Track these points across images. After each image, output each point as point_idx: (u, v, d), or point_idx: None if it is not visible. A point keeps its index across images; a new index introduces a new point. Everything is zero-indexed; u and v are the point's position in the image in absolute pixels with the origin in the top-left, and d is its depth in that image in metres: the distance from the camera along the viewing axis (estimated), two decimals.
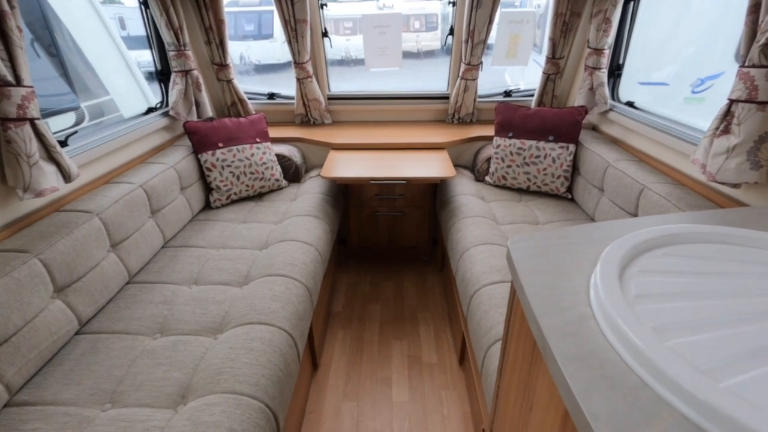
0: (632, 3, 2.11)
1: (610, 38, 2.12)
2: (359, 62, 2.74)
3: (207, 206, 2.23)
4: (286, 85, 2.82)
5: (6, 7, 1.21)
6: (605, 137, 2.26)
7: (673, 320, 0.59)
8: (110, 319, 1.42)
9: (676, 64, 3.89)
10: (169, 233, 1.90)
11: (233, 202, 2.26)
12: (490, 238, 1.83)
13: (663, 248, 0.76)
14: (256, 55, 8.82)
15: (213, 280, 1.63)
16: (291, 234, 1.88)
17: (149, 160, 2.00)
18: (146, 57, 2.38)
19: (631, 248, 0.74)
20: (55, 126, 2.43)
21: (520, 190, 2.35)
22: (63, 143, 1.63)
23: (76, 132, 1.70)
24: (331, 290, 2.41)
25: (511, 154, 2.26)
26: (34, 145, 1.32)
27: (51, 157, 1.40)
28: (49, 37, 2.57)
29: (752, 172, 1.30)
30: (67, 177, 1.45)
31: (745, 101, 1.29)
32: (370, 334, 2.13)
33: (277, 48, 8.40)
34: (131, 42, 3.62)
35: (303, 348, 1.50)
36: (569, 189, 2.24)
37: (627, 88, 2.33)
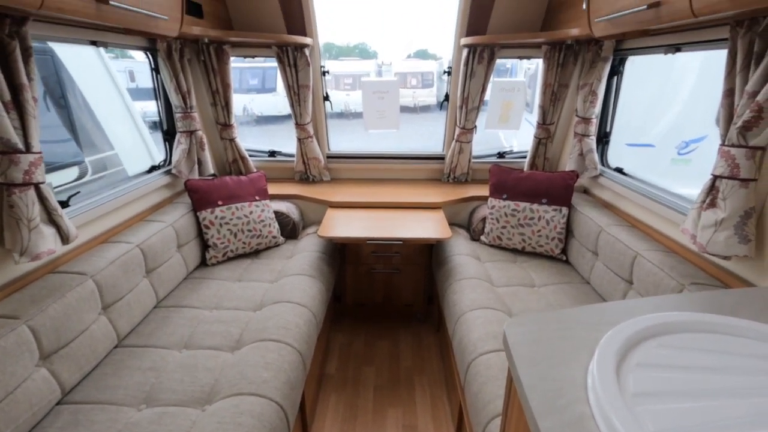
0: (616, 77, 2.25)
1: (597, 108, 2.23)
2: (358, 115, 2.86)
3: (203, 263, 2.22)
4: (286, 137, 2.89)
5: (24, 80, 1.28)
6: (597, 201, 2.32)
7: (674, 424, 0.58)
8: (95, 387, 1.37)
9: (660, 128, 4.09)
10: (163, 292, 1.88)
11: (229, 259, 2.25)
12: (486, 302, 1.82)
13: (660, 337, 0.76)
14: (259, 108, 9.19)
15: (204, 345, 1.59)
16: (286, 295, 1.86)
17: (148, 218, 2.02)
18: (152, 107, 2.44)
19: (628, 337, 0.74)
20: (58, 179, 2.48)
21: (515, 251, 2.36)
22: (64, 203, 1.65)
23: (78, 192, 1.72)
24: (324, 350, 2.34)
25: (506, 215, 2.31)
26: (36, 209, 1.33)
27: (51, 220, 1.41)
28: (59, 90, 2.68)
29: (741, 245, 1.33)
30: (65, 239, 1.45)
31: (729, 178, 1.34)
32: (364, 401, 2.05)
33: (279, 101, 8.77)
34: (139, 93, 3.79)
35: (294, 420, 1.44)
36: (564, 251, 2.26)
37: (616, 154, 2.43)
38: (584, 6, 1.85)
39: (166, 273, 1.91)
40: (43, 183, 1.36)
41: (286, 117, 2.62)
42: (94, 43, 1.75)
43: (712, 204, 1.41)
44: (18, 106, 1.27)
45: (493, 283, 2.05)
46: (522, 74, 6.33)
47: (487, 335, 1.60)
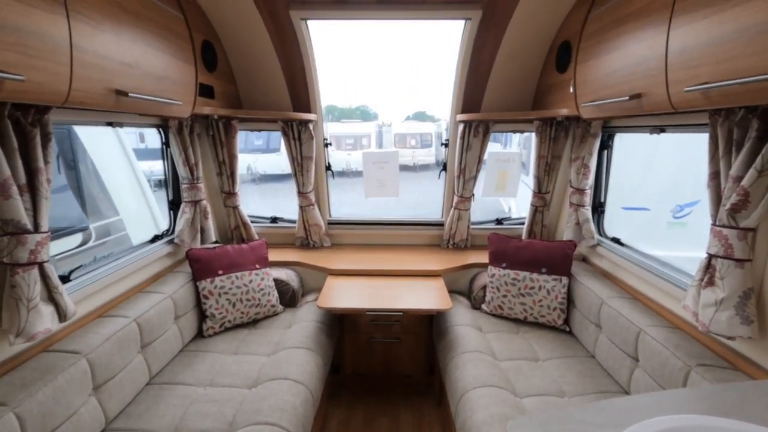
0: (606, 151, 2.35)
1: (590, 180, 2.31)
2: (358, 173, 2.94)
3: (199, 334, 2.18)
4: (289, 195, 2.93)
5: (41, 165, 1.34)
6: (596, 270, 2.32)
7: None
8: None
9: (655, 192, 4.19)
10: (156, 368, 1.83)
11: (226, 329, 2.21)
12: (489, 379, 1.76)
13: None
14: (262, 167, 9.48)
15: (196, 428, 1.52)
16: (283, 371, 1.81)
17: (147, 288, 2.01)
18: (159, 166, 2.47)
19: None
20: (63, 246, 2.51)
21: (517, 321, 2.33)
22: (65, 278, 1.66)
23: (80, 266, 1.73)
24: (321, 429, 2.23)
25: (506, 284, 2.30)
26: (37, 289, 1.33)
27: (51, 298, 1.41)
28: (71, 155, 2.78)
29: (744, 327, 1.32)
30: (63, 316, 1.44)
31: (724, 257, 1.36)
32: None
33: (282, 160, 9.06)
34: (149, 154, 3.94)
35: None
36: (566, 321, 2.23)
37: (612, 219, 2.46)
38: (571, 90, 1.98)
39: (161, 347, 1.87)
40: (47, 261, 1.38)
41: (289, 176, 2.69)
42: (110, 123, 1.85)
43: (711, 282, 1.42)
44: (32, 188, 1.32)
45: (495, 356, 1.99)
46: (517, 138, 6.61)
47: (492, 418, 1.53)
